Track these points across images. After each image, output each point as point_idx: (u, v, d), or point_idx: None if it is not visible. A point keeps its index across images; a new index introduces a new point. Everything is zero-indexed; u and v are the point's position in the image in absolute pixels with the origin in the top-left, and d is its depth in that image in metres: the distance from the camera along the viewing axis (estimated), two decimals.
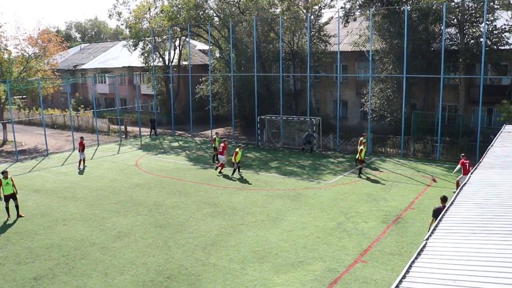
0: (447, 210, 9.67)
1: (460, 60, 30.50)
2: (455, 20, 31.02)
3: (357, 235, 16.00)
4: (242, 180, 24.31)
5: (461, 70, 31.47)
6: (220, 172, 25.73)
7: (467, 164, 19.97)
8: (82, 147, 27.90)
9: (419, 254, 7.46)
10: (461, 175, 19.98)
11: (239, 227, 17.03)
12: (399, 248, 14.78)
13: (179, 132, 42.03)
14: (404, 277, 6.67)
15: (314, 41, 37.24)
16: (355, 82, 38.95)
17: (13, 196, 18.58)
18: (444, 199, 14.31)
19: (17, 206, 18.85)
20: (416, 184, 22.80)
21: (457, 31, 31.43)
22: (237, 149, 25.13)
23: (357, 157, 24.90)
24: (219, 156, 26.04)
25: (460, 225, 8.77)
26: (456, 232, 8.45)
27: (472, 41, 30.36)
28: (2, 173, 18.79)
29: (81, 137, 29.06)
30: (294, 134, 33.39)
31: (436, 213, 13.28)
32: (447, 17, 29.06)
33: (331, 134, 32.92)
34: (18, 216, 18.75)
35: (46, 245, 15.79)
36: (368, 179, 23.92)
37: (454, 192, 20.60)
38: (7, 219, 18.36)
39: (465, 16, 30.43)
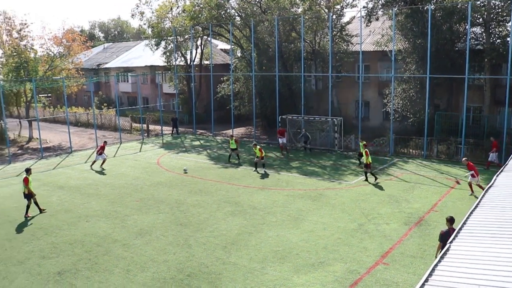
0: (471, 213, 9.51)
1: (486, 60, 29.91)
2: (481, 19, 30.44)
3: (379, 237, 15.85)
4: (263, 179, 24.32)
5: (487, 70, 30.86)
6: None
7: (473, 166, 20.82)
8: (101, 149, 27.82)
9: (442, 257, 7.36)
10: (476, 177, 20.46)
11: (259, 227, 17.04)
12: (421, 251, 14.59)
13: (201, 131, 42.26)
14: (426, 280, 6.59)
15: (336, 40, 37.00)
16: (378, 82, 38.55)
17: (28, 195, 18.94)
18: (451, 220, 12.39)
19: (36, 202, 19.13)
20: (439, 186, 22.47)
21: (482, 30, 30.85)
22: (258, 146, 26.09)
23: (364, 161, 23.89)
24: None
25: (485, 228, 8.62)
26: (480, 235, 8.30)
27: (498, 40, 29.74)
28: (27, 170, 19.17)
29: (105, 142, 29.09)
30: (315, 134, 33.23)
31: (443, 237, 11.66)
32: (472, 16, 28.54)
33: (352, 135, 32.66)
34: (42, 211, 19.16)
35: (70, 240, 16.07)
36: (389, 180, 23.66)
37: (471, 195, 20.42)
38: (26, 217, 18.71)
39: (491, 15, 29.82)
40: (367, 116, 39.20)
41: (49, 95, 59.38)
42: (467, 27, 28.18)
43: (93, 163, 27.82)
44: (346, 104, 40.30)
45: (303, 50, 34.82)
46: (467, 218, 9.20)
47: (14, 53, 38.24)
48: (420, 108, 31.04)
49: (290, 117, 33.86)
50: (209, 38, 43.66)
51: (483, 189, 19.76)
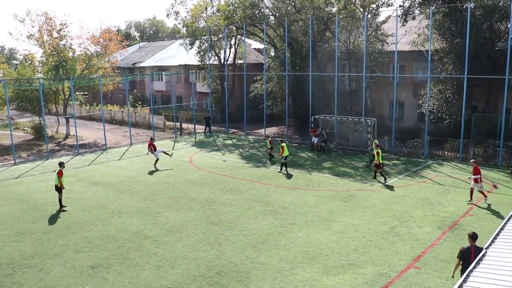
0: (509, 219, 9.19)
1: None
2: None
3: (411, 240, 15.53)
4: (295, 179, 24.22)
5: None
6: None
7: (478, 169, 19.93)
8: (152, 147, 27.47)
9: (478, 263, 7.15)
10: (479, 183, 19.52)
11: (290, 227, 16.97)
12: (455, 255, 14.16)
13: (233, 130, 42.45)
14: (461, 286, 6.41)
15: (371, 40, 36.48)
16: (413, 83, 37.82)
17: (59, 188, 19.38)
18: (473, 237, 10.85)
19: (60, 200, 19.52)
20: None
21: None
22: (283, 144, 25.79)
23: (375, 161, 23.71)
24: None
25: None
26: None
27: None
28: (60, 164, 19.67)
29: (152, 138, 28.50)
30: (348, 134, 32.88)
31: (464, 255, 10.67)
32: None
33: (386, 136, 32.15)
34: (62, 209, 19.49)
35: (103, 235, 16.40)
36: (423, 182, 23.16)
37: (469, 202, 19.42)
38: (61, 211, 19.22)
39: None
40: (401, 117, 38.50)
41: (85, 93, 60.95)
42: (508, 25, 27.27)
43: (155, 162, 27.33)
44: (380, 105, 39.75)
45: (337, 49, 34.50)
46: (505, 223, 8.91)
47: (54, 53, 39.40)
48: (456, 110, 30.27)
49: (323, 117, 33.61)
50: (243, 38, 43.83)
51: (485, 196, 19.12)
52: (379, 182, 23.36)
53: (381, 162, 23.40)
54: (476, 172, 19.57)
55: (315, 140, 31.64)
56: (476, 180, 19.53)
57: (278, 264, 13.76)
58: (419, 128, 34.54)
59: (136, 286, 12.58)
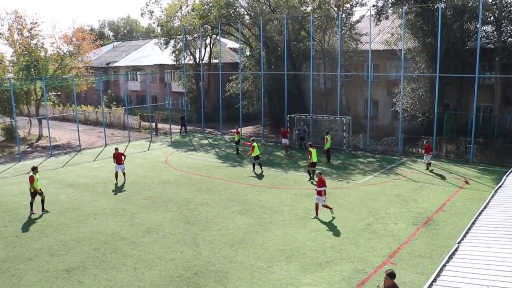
0: (480, 213, 9.42)
1: (497, 59, 29.63)
2: (492, 18, 30.17)
3: (386, 237, 15.76)
4: (271, 178, 24.29)
5: (497, 70, 30.56)
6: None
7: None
8: (117, 160, 23.86)
9: (450, 257, 7.31)
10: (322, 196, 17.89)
11: (267, 226, 17.02)
12: (429, 251, 14.49)
13: (209, 129, 42.32)
14: (434, 280, 6.55)
15: (345, 39, 36.83)
16: (387, 81, 38.36)
17: (39, 191, 18.95)
18: (391, 275, 8.81)
19: (43, 201, 19.09)
20: (448, 186, 22.30)
21: (493, 29, 30.58)
22: (253, 144, 25.37)
23: (311, 160, 23.48)
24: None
25: (494, 229, 8.54)
26: (489, 235, 8.23)
27: (510, 39, 29.47)
28: (33, 169, 19.20)
29: (116, 148, 24.81)
30: (323, 133, 33.11)
31: None
32: (484, 15, 28.31)
33: (361, 134, 32.53)
34: (44, 211, 19.06)
35: (78, 238, 16.15)
36: (398, 180, 23.53)
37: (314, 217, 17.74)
38: (31, 214, 18.79)
39: (503, 13, 29.52)
40: (376, 115, 39.02)
41: (58, 93, 59.77)
42: (478, 25, 27.92)
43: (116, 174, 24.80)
44: (355, 103, 40.18)
45: (312, 49, 34.73)
46: (476, 218, 9.13)
47: (25, 52, 38.56)
48: (429, 108, 30.85)
49: (299, 116, 33.79)
50: (218, 37, 43.71)
51: (330, 209, 17.79)
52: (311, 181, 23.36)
53: (315, 161, 23.46)
54: (321, 184, 17.52)
55: (285, 141, 31.80)
56: (320, 193, 17.53)
57: (256, 263, 13.79)
58: (393, 126, 35.07)
59: None
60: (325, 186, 17.67)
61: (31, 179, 18.71)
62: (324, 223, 17.23)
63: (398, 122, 31.56)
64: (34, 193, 18.76)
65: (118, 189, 22.44)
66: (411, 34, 32.17)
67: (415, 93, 31.97)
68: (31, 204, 18.93)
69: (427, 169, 25.56)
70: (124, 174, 24.14)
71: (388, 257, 14.07)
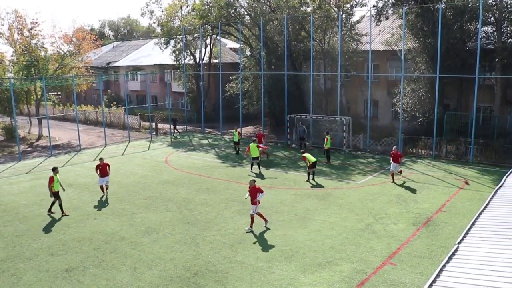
0: (480, 214, 9.41)
1: (497, 59, 29.62)
2: (492, 18, 30.16)
3: (386, 237, 15.76)
4: (271, 178, 24.29)
5: (498, 70, 30.56)
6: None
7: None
8: (101, 172, 21.43)
9: (450, 258, 7.30)
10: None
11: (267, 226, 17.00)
12: (429, 251, 14.49)
13: (209, 129, 42.31)
14: (434, 281, 6.54)
15: (345, 40, 36.84)
16: (387, 82, 38.36)
17: (56, 193, 18.76)
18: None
19: (60, 205, 18.81)
20: (448, 186, 22.30)
21: (494, 29, 30.57)
22: (250, 144, 25.67)
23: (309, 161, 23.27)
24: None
25: (493, 230, 8.54)
26: (488, 236, 8.23)
27: (510, 40, 29.45)
28: (53, 169, 18.97)
29: (101, 159, 22.13)
30: (323, 133, 33.11)
31: None
32: (484, 15, 28.30)
33: (361, 134, 32.52)
34: (63, 214, 18.75)
35: (78, 238, 16.16)
36: (398, 180, 23.51)
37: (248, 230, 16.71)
38: (49, 214, 18.73)
39: (503, 14, 29.52)
40: (376, 115, 39.02)
41: (58, 93, 59.82)
42: (478, 26, 27.91)
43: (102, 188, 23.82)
44: (355, 104, 40.18)
45: (312, 49, 34.73)
46: (476, 219, 9.12)
47: (25, 52, 38.57)
48: (429, 108, 30.84)
49: (299, 116, 33.79)
50: (218, 37, 43.69)
51: (265, 220, 16.90)
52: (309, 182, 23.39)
53: (313, 162, 23.38)
54: (253, 192, 16.48)
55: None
56: (254, 202, 16.53)
57: (256, 263, 13.79)
58: (393, 126, 35.06)
59: None
60: (259, 194, 16.43)
61: (51, 180, 18.58)
62: (324, 223, 17.23)
63: (398, 122, 31.55)
64: (55, 194, 18.64)
65: (118, 189, 22.42)
66: (411, 35, 32.16)
67: (415, 93, 31.96)
68: (53, 204, 18.76)
69: (393, 181, 22.87)
70: (107, 188, 21.63)
71: (388, 257, 14.07)
